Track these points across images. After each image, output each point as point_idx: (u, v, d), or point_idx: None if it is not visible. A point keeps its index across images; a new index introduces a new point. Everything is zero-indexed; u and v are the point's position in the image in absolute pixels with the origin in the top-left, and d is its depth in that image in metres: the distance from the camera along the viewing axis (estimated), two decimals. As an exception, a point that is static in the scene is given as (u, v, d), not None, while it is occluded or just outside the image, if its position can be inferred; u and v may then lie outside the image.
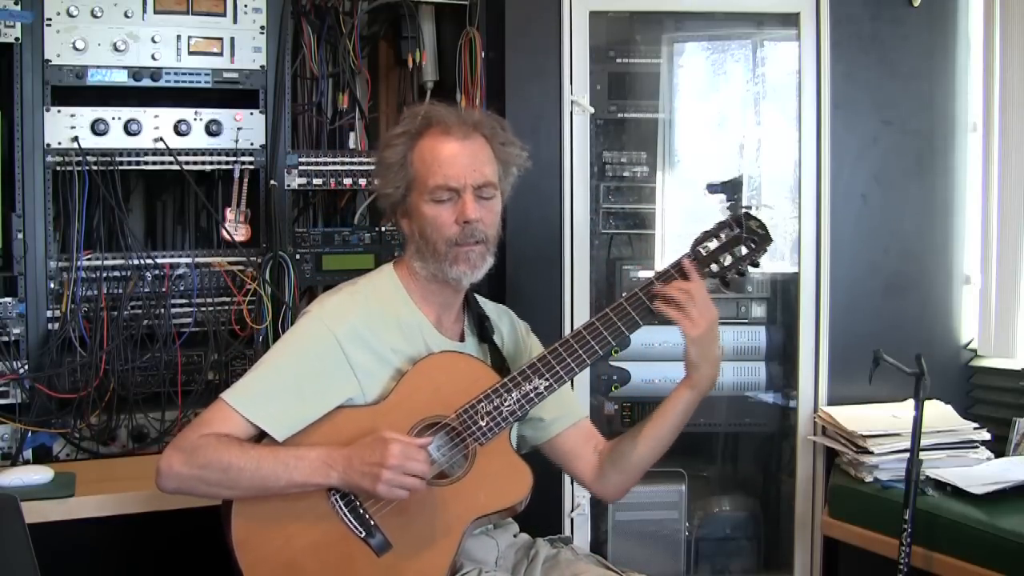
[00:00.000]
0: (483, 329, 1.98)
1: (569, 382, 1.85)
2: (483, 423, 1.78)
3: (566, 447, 1.99)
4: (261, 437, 1.75)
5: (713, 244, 1.86)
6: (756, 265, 1.88)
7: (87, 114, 2.49)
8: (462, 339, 1.95)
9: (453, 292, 1.91)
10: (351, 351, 1.79)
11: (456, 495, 1.78)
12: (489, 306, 2.05)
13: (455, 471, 1.79)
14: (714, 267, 1.86)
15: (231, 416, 1.73)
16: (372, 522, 1.74)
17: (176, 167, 2.56)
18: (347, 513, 1.74)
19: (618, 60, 2.86)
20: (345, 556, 1.73)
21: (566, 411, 2.01)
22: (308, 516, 1.73)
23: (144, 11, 2.52)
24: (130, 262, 2.53)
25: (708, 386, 1.84)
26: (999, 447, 2.56)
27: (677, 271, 1.83)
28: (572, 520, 2.67)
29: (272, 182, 2.63)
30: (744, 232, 1.86)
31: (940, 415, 2.59)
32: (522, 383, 1.80)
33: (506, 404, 1.79)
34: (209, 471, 1.69)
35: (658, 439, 1.89)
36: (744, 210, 1.91)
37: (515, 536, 2.01)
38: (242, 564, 1.72)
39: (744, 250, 1.86)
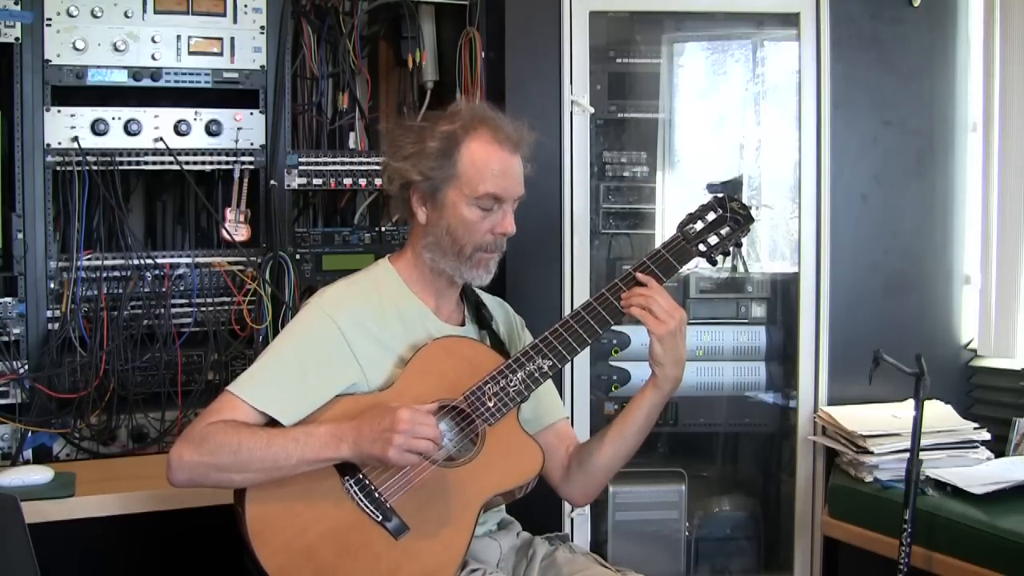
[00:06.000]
0: (481, 316, 2.00)
1: (563, 367, 1.87)
2: (491, 404, 1.80)
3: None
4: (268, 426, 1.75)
5: (699, 225, 1.93)
6: (739, 245, 1.94)
7: (87, 114, 2.49)
8: (462, 325, 1.97)
9: (450, 283, 1.93)
10: (353, 338, 1.81)
11: (469, 475, 1.79)
12: (486, 297, 2.07)
13: (466, 453, 1.80)
14: (701, 247, 1.91)
15: (237, 405, 1.74)
16: (388, 505, 1.74)
17: (176, 167, 2.56)
18: (362, 498, 1.74)
19: (618, 60, 2.86)
20: (363, 541, 1.73)
21: (545, 410, 2.02)
22: (323, 503, 1.73)
23: (144, 11, 2.52)
24: (130, 262, 2.53)
25: (672, 387, 1.87)
26: (999, 447, 2.57)
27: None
28: (572, 520, 2.67)
29: (272, 182, 2.63)
30: (728, 213, 1.92)
31: (940, 415, 2.59)
32: (526, 363, 1.82)
33: (512, 384, 1.81)
34: (220, 456, 1.68)
35: (623, 440, 1.91)
36: (726, 192, 1.97)
37: (517, 536, 2.02)
38: (260, 555, 1.70)
39: (727, 230, 1.92)
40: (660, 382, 1.85)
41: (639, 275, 1.86)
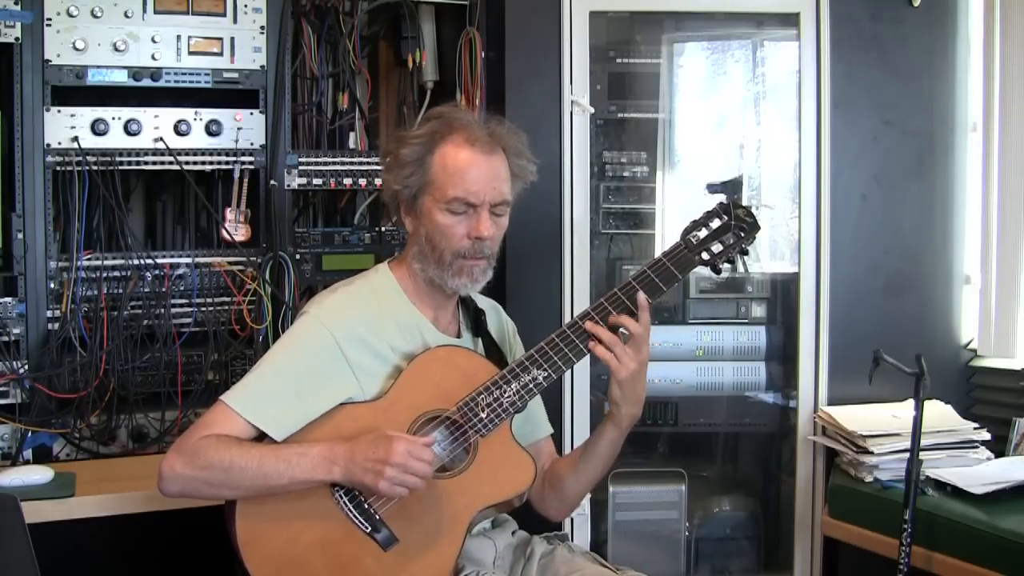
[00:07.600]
0: (478, 323, 1.99)
1: (559, 378, 1.85)
2: (484, 415, 1.78)
3: None
4: (261, 439, 1.75)
5: (703, 233, 1.89)
6: (745, 253, 1.90)
7: (87, 114, 2.49)
8: (459, 335, 1.96)
9: (447, 295, 1.92)
10: (349, 351, 1.79)
11: (460, 487, 1.78)
12: (482, 301, 2.05)
13: (458, 464, 1.80)
14: (704, 255, 1.88)
15: (231, 417, 1.74)
16: (377, 517, 1.74)
17: (176, 167, 2.56)
18: (352, 509, 1.74)
19: (618, 60, 2.87)
20: (352, 552, 1.73)
21: (531, 427, 2.02)
22: (313, 514, 1.73)
23: (144, 11, 2.52)
24: (130, 262, 2.53)
25: (630, 423, 1.86)
26: (999, 447, 2.57)
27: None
28: (572, 520, 2.67)
29: (272, 182, 2.63)
30: (733, 220, 1.88)
31: (940, 415, 2.59)
32: (521, 374, 1.80)
33: (506, 396, 1.79)
34: (211, 472, 1.68)
35: (586, 472, 1.92)
36: (732, 199, 1.93)
37: (513, 534, 2.01)
38: (248, 564, 1.71)
39: (733, 238, 1.88)
40: (617, 420, 1.85)
41: (641, 298, 1.81)
